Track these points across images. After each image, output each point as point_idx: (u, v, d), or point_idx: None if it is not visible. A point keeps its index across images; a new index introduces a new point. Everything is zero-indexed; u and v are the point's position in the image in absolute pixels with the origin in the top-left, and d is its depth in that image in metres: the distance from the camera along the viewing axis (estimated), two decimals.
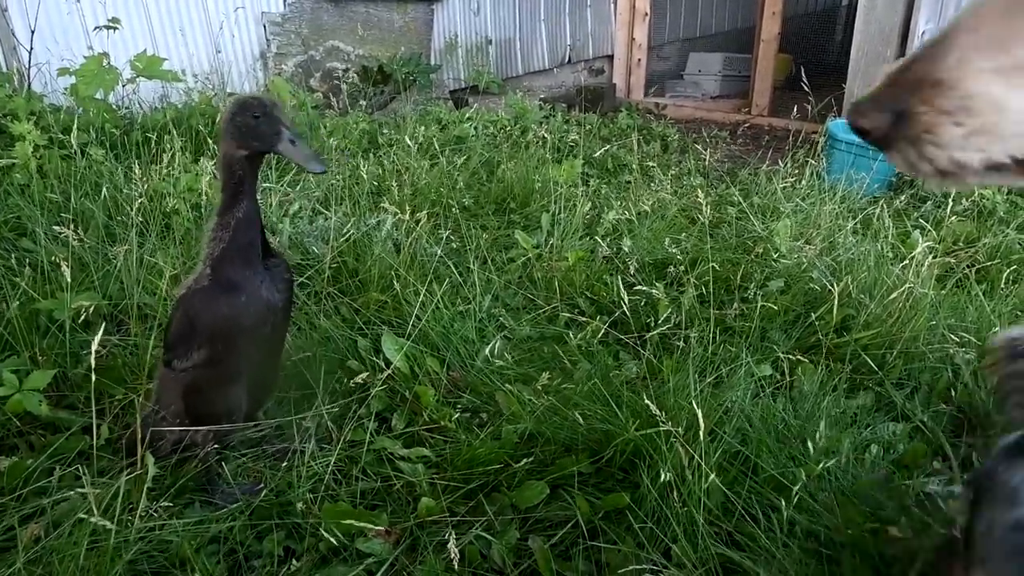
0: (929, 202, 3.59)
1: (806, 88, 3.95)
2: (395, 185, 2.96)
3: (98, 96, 3.17)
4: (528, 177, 3.36)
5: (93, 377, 1.36)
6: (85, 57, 3.21)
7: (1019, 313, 2.37)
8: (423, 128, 3.79)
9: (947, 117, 0.68)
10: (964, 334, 2.10)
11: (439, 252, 2.48)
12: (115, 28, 3.39)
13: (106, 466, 1.54)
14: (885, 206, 3.05)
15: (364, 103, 4.44)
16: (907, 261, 2.26)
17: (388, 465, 1.66)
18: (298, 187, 2.89)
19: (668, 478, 1.46)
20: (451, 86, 5.50)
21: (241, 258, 1.41)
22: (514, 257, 2.69)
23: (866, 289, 2.34)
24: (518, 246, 2.71)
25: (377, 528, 1.45)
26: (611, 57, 6.90)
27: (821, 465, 1.55)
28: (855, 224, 2.94)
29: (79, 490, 1.25)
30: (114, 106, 3.32)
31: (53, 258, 2.05)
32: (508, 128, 4.28)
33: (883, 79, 0.72)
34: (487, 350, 2.03)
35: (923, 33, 4.66)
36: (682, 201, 3.39)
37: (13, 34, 3.31)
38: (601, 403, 1.76)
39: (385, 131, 3.91)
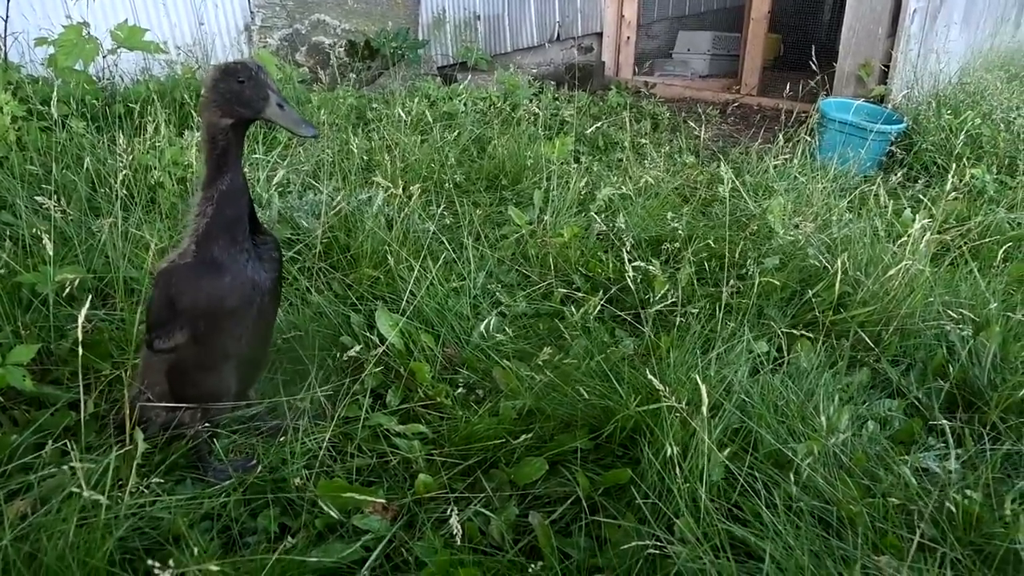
0: (921, 181, 3.59)
1: (814, 65, 3.92)
2: (386, 159, 2.91)
3: (78, 67, 3.07)
4: (520, 154, 3.31)
5: (80, 351, 1.32)
6: (64, 27, 3.11)
7: (1012, 291, 2.37)
8: (414, 102, 3.72)
9: None
10: (960, 311, 2.10)
11: (432, 228, 2.44)
12: None
13: (93, 442, 1.50)
14: (879, 185, 3.04)
15: (352, 78, 4.36)
16: (904, 238, 2.25)
17: (384, 442, 1.64)
18: (287, 160, 2.83)
19: (671, 453, 1.44)
20: (439, 62, 5.41)
21: (226, 235, 1.34)
22: (507, 234, 2.65)
23: (862, 267, 2.33)
24: (511, 222, 2.68)
25: (375, 501, 1.42)
26: (600, 35, 6.83)
27: (828, 442, 1.54)
28: (849, 202, 2.93)
29: (68, 465, 1.21)
30: (94, 77, 3.22)
31: (34, 230, 1.99)
32: (498, 105, 4.22)
33: None
34: (482, 326, 2.00)
35: (914, 11, 4.64)
36: (675, 180, 3.36)
37: None
38: (600, 379, 1.74)
39: (374, 106, 3.84)
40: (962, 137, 3.57)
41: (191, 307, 1.35)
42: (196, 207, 1.36)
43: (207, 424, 1.48)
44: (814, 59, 3.92)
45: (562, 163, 3.23)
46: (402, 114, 3.18)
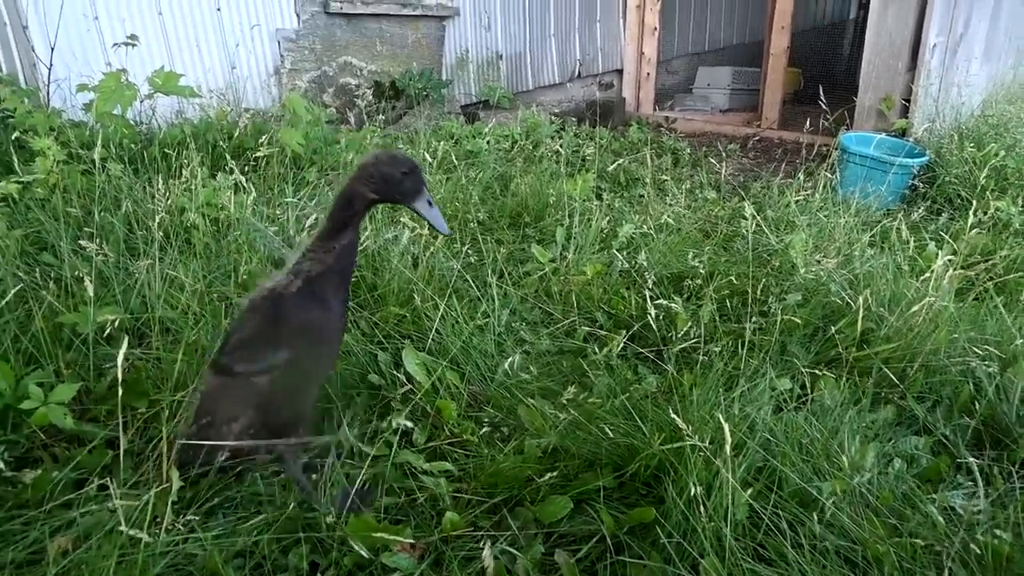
0: (944, 215, 3.59)
1: (822, 104, 3.96)
2: None
3: (116, 112, 3.20)
4: (542, 191, 3.37)
5: (120, 391, 1.37)
6: (103, 73, 3.24)
7: None
8: (439, 143, 3.80)
9: None
10: (985, 347, 2.09)
11: (457, 266, 2.49)
12: (133, 45, 3.43)
13: (129, 478, 1.54)
14: (901, 219, 3.04)
15: (380, 118, 4.47)
16: (928, 274, 2.25)
17: (412, 479, 1.66)
18: (315, 201, 2.91)
19: (695, 493, 1.45)
20: (463, 101, 5.53)
21: (336, 281, 1.51)
22: (530, 271, 2.69)
23: (885, 303, 2.33)
24: (534, 260, 2.72)
25: (403, 542, 1.45)
26: (621, 71, 6.94)
27: (854, 480, 1.54)
28: (872, 237, 2.94)
29: (110, 504, 1.25)
30: (132, 122, 3.34)
31: (76, 272, 2.06)
32: (520, 142, 4.30)
33: None
34: (507, 364, 2.03)
35: (934, 46, 4.67)
36: (696, 215, 3.39)
37: (33, 50, 3.35)
38: (624, 417, 1.76)
39: (399, 146, 3.93)
40: (986, 170, 3.56)
41: (299, 328, 1.46)
42: (311, 253, 1.50)
43: (286, 456, 1.54)
44: (822, 98, 3.95)
45: (584, 200, 3.28)
46: (427, 156, 3.25)
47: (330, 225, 1.50)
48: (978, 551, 1.42)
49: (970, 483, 1.72)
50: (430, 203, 1.51)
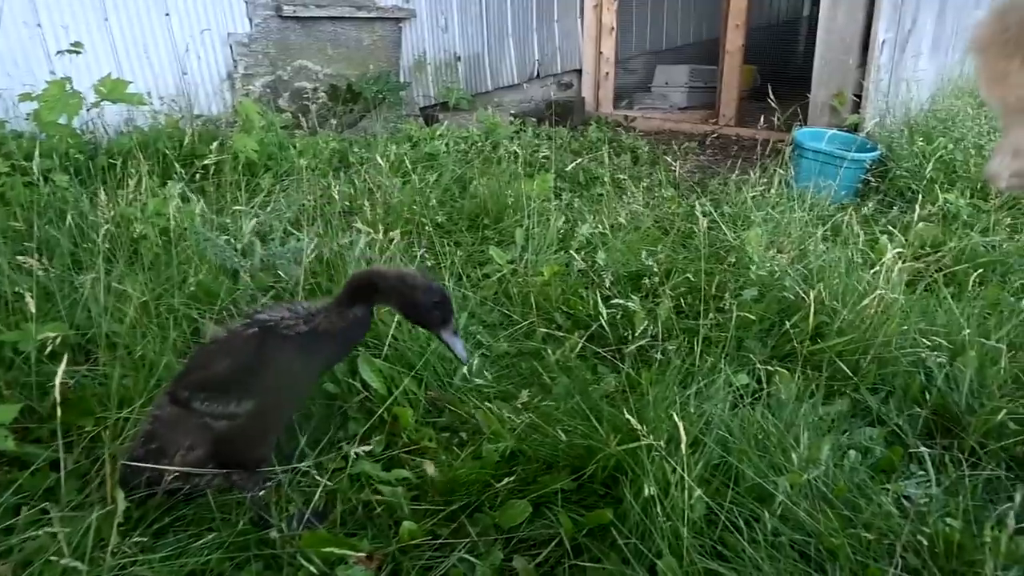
0: (895, 208, 3.66)
1: (771, 101, 4.01)
2: (367, 204, 2.94)
3: (61, 121, 3.11)
4: (501, 192, 3.36)
5: (59, 412, 1.33)
6: (47, 82, 3.15)
7: (987, 315, 2.41)
8: (394, 146, 3.77)
9: None
10: (935, 337, 2.13)
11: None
12: (78, 52, 3.34)
13: (73, 500, 1.50)
14: (853, 213, 3.09)
15: (334, 122, 4.42)
16: (877, 267, 2.29)
17: (368, 488, 1.64)
18: (268, 208, 2.86)
19: (651, 492, 1.45)
20: (421, 103, 5.50)
21: (338, 349, 1.56)
22: (489, 273, 2.68)
23: (838, 296, 2.36)
24: (493, 262, 2.71)
25: (358, 555, 1.42)
26: (579, 71, 6.95)
27: (805, 476, 1.55)
28: (825, 231, 2.98)
29: (47, 530, 1.21)
30: (78, 131, 3.26)
31: (17, 288, 1.99)
32: (479, 144, 4.28)
33: None
34: (464, 368, 2.01)
35: (883, 42, 4.76)
36: (654, 213, 3.41)
37: None
38: (581, 418, 1.75)
39: (356, 150, 3.89)
40: (932, 163, 3.64)
41: (278, 373, 1.45)
42: (326, 313, 1.50)
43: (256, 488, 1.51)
44: (771, 95, 4.00)
45: (543, 200, 3.27)
46: (380, 162, 3.21)
47: (347, 300, 1.51)
48: (928, 540, 1.44)
49: (922, 472, 1.75)
50: (456, 333, 1.54)
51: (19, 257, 1.93)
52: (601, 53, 6.80)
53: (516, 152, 3.90)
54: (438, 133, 4.36)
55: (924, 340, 2.12)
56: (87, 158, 3.03)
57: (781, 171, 3.59)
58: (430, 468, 1.58)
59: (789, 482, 1.56)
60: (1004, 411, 1.85)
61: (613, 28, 6.71)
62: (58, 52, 3.37)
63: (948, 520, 1.52)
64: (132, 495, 1.43)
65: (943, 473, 1.75)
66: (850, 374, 2.07)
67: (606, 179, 3.85)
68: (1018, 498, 1.36)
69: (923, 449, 1.77)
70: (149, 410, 1.57)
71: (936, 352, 2.08)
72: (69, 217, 2.38)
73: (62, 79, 3.13)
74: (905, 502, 1.65)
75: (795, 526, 1.50)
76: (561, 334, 2.26)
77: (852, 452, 1.80)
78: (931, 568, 1.42)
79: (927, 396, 2.01)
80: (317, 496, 1.55)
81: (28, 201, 2.58)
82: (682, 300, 2.46)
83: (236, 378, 1.43)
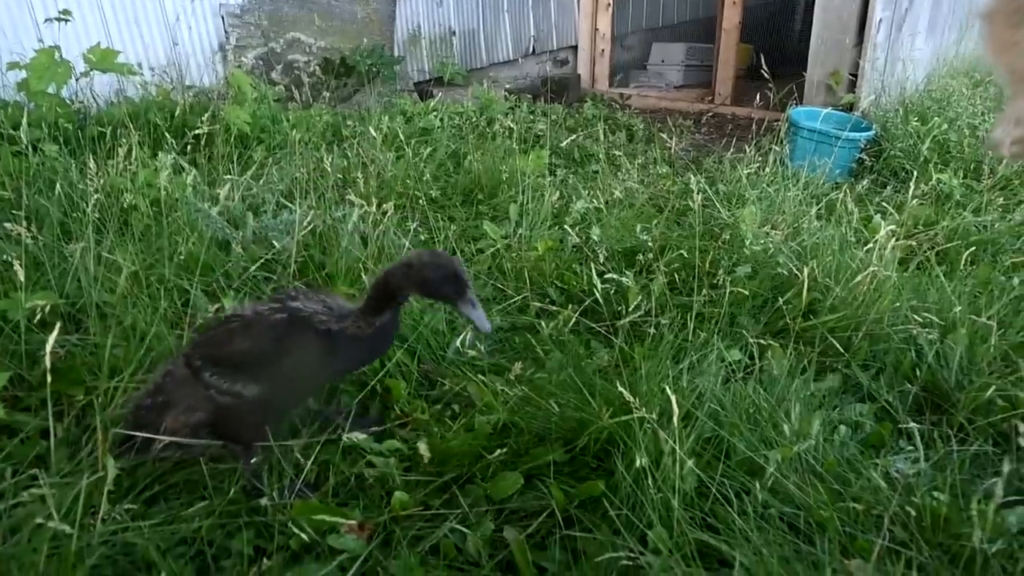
0: (889, 187, 3.66)
1: (767, 76, 3.98)
2: (361, 177, 2.92)
3: (50, 90, 3.07)
4: (495, 168, 3.34)
5: (48, 380, 1.32)
6: (36, 50, 3.10)
7: (978, 293, 2.42)
8: (388, 120, 3.74)
9: None
10: (927, 315, 2.13)
11: (407, 244, 2.46)
12: (67, 20, 3.28)
13: (64, 468, 1.49)
14: (847, 191, 3.09)
15: (327, 95, 4.37)
16: (871, 245, 2.29)
17: (360, 460, 1.64)
18: (261, 180, 2.84)
19: (643, 464, 1.45)
20: (415, 78, 5.44)
21: (363, 355, 1.60)
22: (483, 248, 2.67)
23: (831, 273, 2.37)
24: (487, 237, 2.70)
25: (350, 523, 1.43)
26: (575, 48, 6.89)
27: (795, 450, 1.56)
28: (819, 209, 2.98)
29: (35, 491, 1.20)
30: (67, 100, 3.21)
31: (5, 257, 1.98)
32: (474, 119, 4.25)
33: None
34: (458, 341, 2.01)
35: (879, 21, 4.73)
36: (649, 190, 3.40)
37: None
38: (574, 392, 1.76)
39: (349, 123, 3.86)
40: (928, 142, 3.63)
41: (295, 362, 1.45)
42: (358, 313, 1.52)
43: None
44: (766, 72, 3.97)
45: (537, 176, 3.26)
46: (374, 134, 3.19)
47: (372, 304, 1.51)
48: (916, 512, 1.45)
49: (911, 448, 1.77)
50: (474, 304, 1.52)
51: (7, 225, 1.91)
52: (597, 30, 6.74)
53: (511, 128, 3.87)
54: (432, 108, 4.33)
55: (915, 317, 2.12)
56: (76, 128, 2.99)
57: (776, 149, 3.57)
58: (422, 447, 1.58)
59: (780, 456, 1.57)
60: (993, 388, 1.87)
61: (609, 4, 6.65)
62: (46, 20, 3.32)
63: (936, 494, 1.53)
64: (125, 452, 1.43)
65: (932, 448, 1.77)
66: (842, 350, 2.08)
67: (601, 156, 3.83)
68: (1005, 471, 1.37)
69: (912, 425, 1.79)
70: (163, 364, 1.58)
71: (927, 329, 2.09)
72: (58, 186, 2.35)
73: (51, 47, 3.08)
74: (895, 475, 1.66)
75: (785, 499, 1.52)
76: (555, 308, 2.26)
77: (842, 427, 1.81)
78: (918, 540, 1.43)
79: (917, 372, 2.02)
80: (307, 468, 1.55)
81: (16, 171, 2.55)
82: (676, 276, 2.45)
83: (250, 361, 1.44)
